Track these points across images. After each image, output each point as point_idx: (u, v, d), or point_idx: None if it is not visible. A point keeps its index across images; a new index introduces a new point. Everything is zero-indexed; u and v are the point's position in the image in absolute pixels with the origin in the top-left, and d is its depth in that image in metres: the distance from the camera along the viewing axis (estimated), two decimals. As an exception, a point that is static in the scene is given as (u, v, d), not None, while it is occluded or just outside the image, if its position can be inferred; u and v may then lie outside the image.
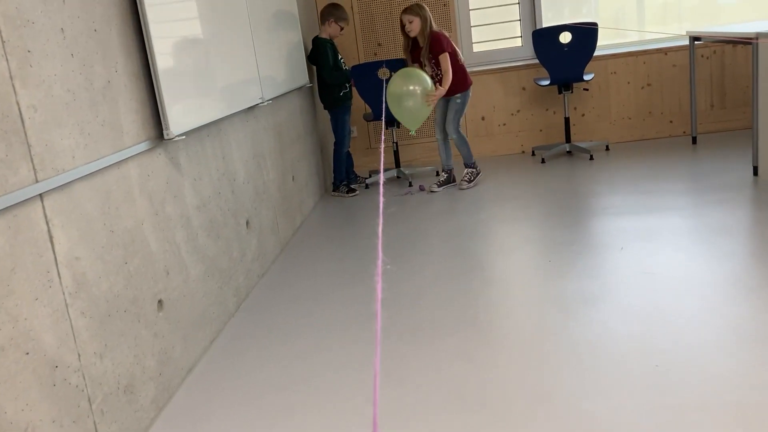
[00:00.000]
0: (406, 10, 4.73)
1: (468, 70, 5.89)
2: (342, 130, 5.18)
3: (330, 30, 5.08)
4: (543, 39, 5.28)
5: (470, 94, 4.91)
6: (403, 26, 4.75)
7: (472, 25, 6.13)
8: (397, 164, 5.54)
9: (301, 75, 4.82)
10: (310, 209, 4.86)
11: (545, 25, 6.04)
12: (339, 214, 4.79)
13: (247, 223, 3.45)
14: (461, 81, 4.81)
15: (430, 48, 4.68)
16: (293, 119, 4.63)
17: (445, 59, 4.66)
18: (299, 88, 4.82)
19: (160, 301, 2.43)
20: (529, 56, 6.12)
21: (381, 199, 2.83)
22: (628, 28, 6.24)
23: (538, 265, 3.32)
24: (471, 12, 6.10)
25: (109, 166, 2.18)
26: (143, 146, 2.41)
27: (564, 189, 4.66)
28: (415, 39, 4.82)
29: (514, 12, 6.14)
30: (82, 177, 2.01)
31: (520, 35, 6.17)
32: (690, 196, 4.10)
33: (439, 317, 2.87)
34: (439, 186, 5.00)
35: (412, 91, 4.49)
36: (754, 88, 4.17)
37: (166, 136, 2.52)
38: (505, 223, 4.14)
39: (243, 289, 3.29)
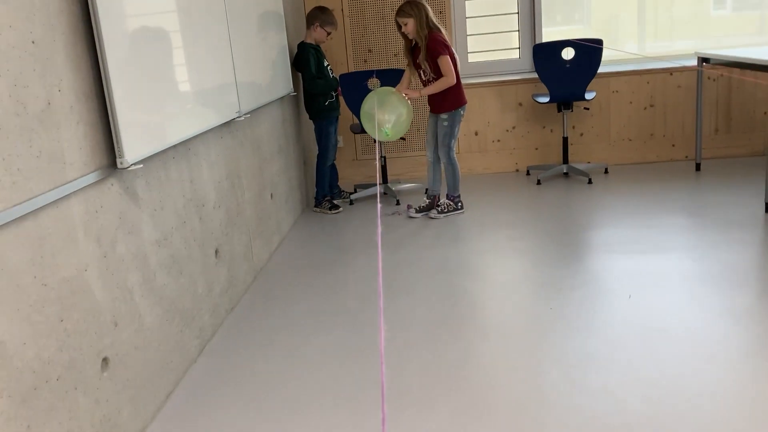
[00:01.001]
0: (398, 12, 4.32)
1: (463, 81, 5.58)
2: (326, 142, 4.84)
3: (315, 35, 4.73)
4: (544, 54, 4.97)
5: (462, 114, 4.46)
6: (399, 28, 4.37)
7: (468, 33, 5.81)
8: (384, 179, 5.21)
9: (284, 83, 4.47)
10: (289, 227, 4.51)
11: (544, 36, 5.74)
12: (320, 234, 4.45)
13: (216, 252, 3.10)
14: (453, 97, 4.39)
15: (426, 50, 4.27)
16: (275, 131, 4.28)
17: (445, 62, 4.24)
18: (282, 98, 4.46)
19: (105, 360, 2.08)
20: (526, 69, 5.82)
21: (379, 241, 2.49)
22: (632, 46, 5.95)
23: (537, 314, 3.00)
24: (467, 20, 5.78)
25: (45, 206, 1.82)
26: (91, 178, 2.05)
27: (562, 217, 4.35)
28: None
29: (513, 22, 5.83)
30: (5, 224, 1.66)
31: (518, 47, 5.86)
32: (698, 234, 3.80)
33: (427, 382, 2.54)
34: (418, 211, 4.62)
35: (386, 119, 4.08)
36: (771, 121, 3.89)
37: (119, 165, 2.17)
38: (499, 256, 3.82)
39: (208, 329, 2.94)
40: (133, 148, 2.21)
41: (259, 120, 3.92)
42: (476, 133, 5.65)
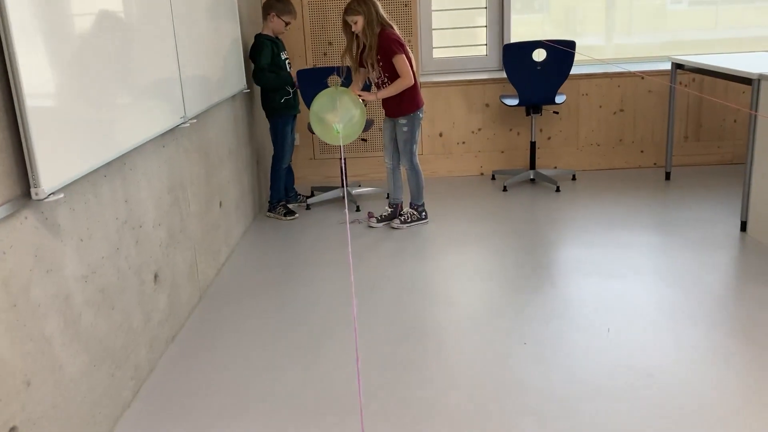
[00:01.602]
0: (346, 10, 3.93)
1: (427, 79, 5.31)
2: (282, 142, 4.50)
3: (273, 26, 4.37)
4: (514, 55, 4.72)
5: (421, 116, 4.15)
6: (346, 28, 3.99)
7: (433, 27, 5.52)
8: (343, 183, 4.90)
9: (237, 79, 4.11)
10: (239, 237, 4.18)
11: (513, 34, 5.50)
12: (273, 244, 4.13)
13: (155, 277, 2.76)
14: (410, 100, 4.06)
15: (379, 49, 3.93)
16: (225, 133, 3.92)
17: (401, 62, 3.92)
18: (234, 95, 4.11)
19: (12, 429, 1.75)
20: (493, 67, 5.57)
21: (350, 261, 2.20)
22: (591, 38, 5.75)
23: (510, 350, 2.76)
24: (433, 13, 5.49)
25: (-68, 256, 1.48)
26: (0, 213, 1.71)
27: (530, 231, 4.13)
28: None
29: (481, 17, 5.56)
30: None
31: (485, 43, 5.60)
32: (671, 255, 3.62)
33: None
34: (378, 221, 4.32)
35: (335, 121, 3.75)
36: (750, 138, 3.72)
37: (34, 197, 1.82)
38: (465, 278, 3.57)
39: (145, 366, 2.62)
40: (52, 173, 1.87)
41: (207, 122, 3.57)
42: (440, 134, 5.38)
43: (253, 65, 4.35)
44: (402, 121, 4.11)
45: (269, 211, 4.60)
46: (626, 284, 3.29)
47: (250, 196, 4.47)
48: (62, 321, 2.01)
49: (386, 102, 4.11)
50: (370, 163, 5.39)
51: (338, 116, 3.73)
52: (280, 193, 4.60)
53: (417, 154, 4.21)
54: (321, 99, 3.80)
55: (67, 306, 2.04)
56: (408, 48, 4.02)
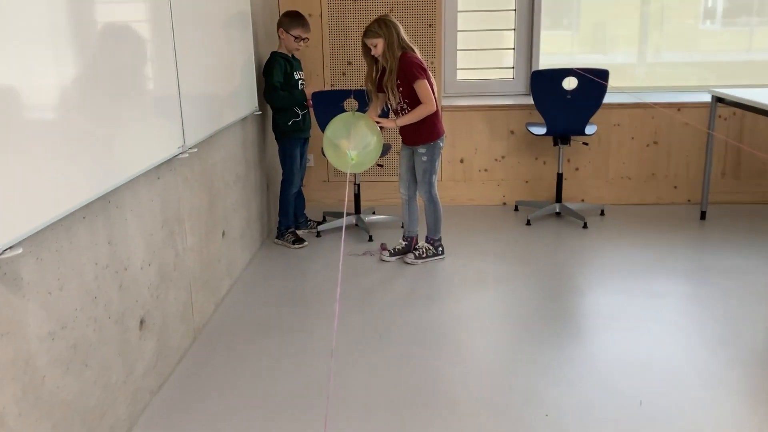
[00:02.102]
0: (366, 32, 3.68)
1: (450, 102, 5.05)
2: (290, 166, 4.26)
3: (285, 43, 4.15)
4: (543, 82, 4.44)
5: (441, 145, 3.88)
6: (366, 51, 3.75)
7: (458, 48, 5.26)
8: (357, 209, 4.64)
9: (248, 101, 3.88)
10: (244, 267, 3.93)
11: (543, 58, 5.22)
12: (278, 276, 3.88)
13: (142, 322, 2.52)
14: (430, 127, 3.79)
15: (399, 73, 3.68)
16: (232, 158, 3.69)
17: (423, 87, 3.66)
18: (245, 118, 3.87)
19: None
20: (520, 91, 5.30)
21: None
22: (619, 56, 5.46)
23: (530, 423, 2.47)
24: (459, 34, 5.23)
25: None
26: (-60, 273, 1.47)
27: (553, 272, 3.83)
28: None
29: (509, 39, 5.29)
30: None
31: (512, 66, 5.33)
32: (712, 313, 3.30)
33: None
34: (391, 255, 4.05)
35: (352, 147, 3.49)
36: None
37: (-13, 252, 1.58)
38: (480, 325, 3.28)
39: (123, 424, 2.37)
40: (6, 225, 1.63)
41: (212, 148, 3.34)
42: (462, 161, 5.11)
43: (264, 84, 4.13)
44: (421, 149, 3.85)
45: (277, 237, 4.36)
46: (659, 343, 2.99)
47: (257, 222, 4.23)
48: (20, 388, 1.77)
49: (405, 129, 3.85)
50: (385, 188, 5.13)
51: (352, 143, 3.48)
52: (290, 219, 4.35)
53: (436, 185, 3.94)
54: (335, 124, 3.55)
55: (27, 370, 1.80)
56: (430, 73, 3.77)
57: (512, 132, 5.05)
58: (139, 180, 2.48)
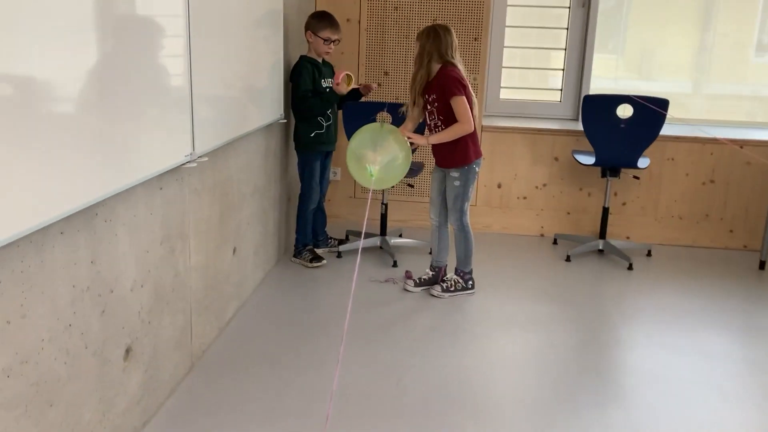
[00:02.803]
0: (418, 35, 3.49)
1: (490, 123, 4.71)
2: (309, 180, 3.94)
3: (314, 46, 3.82)
4: (595, 108, 4.07)
5: (477, 169, 3.54)
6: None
7: (504, 65, 4.92)
8: (383, 230, 4.31)
9: (274, 107, 3.58)
10: (255, 287, 3.62)
11: (593, 81, 4.85)
12: (293, 299, 3.57)
13: (127, 352, 2.22)
14: (465, 149, 3.45)
15: (436, 87, 3.39)
16: (252, 169, 3.39)
17: (461, 104, 3.34)
18: (270, 125, 3.58)
19: None
20: (567, 116, 4.94)
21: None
22: (665, 84, 5.06)
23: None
24: (505, 50, 4.89)
25: None
26: None
27: (594, 320, 3.45)
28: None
29: (557, 59, 4.94)
30: None
31: (560, 89, 4.97)
32: (777, 381, 2.91)
33: None
34: (417, 285, 3.70)
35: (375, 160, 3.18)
36: None
37: None
38: (510, 377, 2.92)
39: (94, 470, 2.06)
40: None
41: (229, 156, 3.04)
42: (499, 185, 4.76)
43: (292, 90, 3.83)
44: (454, 173, 3.51)
45: (294, 256, 4.04)
46: (715, 416, 2.60)
47: (274, 237, 3.92)
48: (-43, 438, 1.47)
49: (437, 149, 3.52)
50: (415, 209, 4.80)
51: (378, 157, 3.16)
52: (308, 237, 4.03)
53: (468, 212, 3.59)
54: (362, 135, 3.25)
55: (-31, 416, 1.50)
56: (471, 90, 3.44)
57: (556, 159, 4.68)
58: (137, 190, 2.18)
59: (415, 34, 3.52)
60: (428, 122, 3.51)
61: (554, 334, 3.28)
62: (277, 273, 3.89)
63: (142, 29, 2.09)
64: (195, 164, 2.47)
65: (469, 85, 3.43)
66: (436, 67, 3.39)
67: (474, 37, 4.56)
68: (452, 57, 3.40)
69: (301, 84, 3.74)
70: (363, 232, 3.04)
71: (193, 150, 2.47)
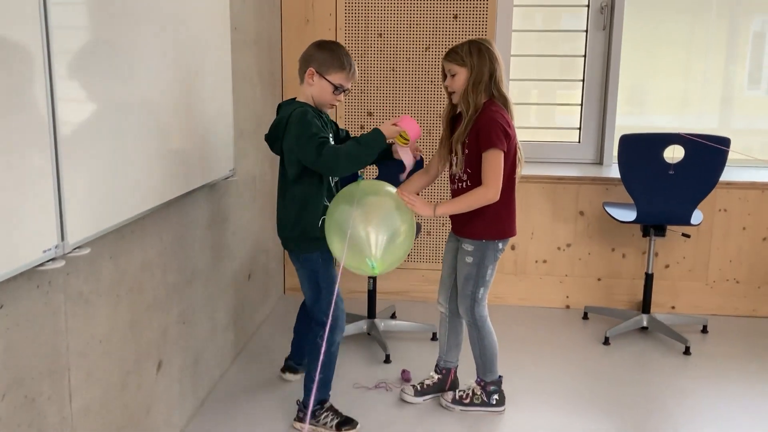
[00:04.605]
0: (449, 54, 2.48)
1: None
2: (329, 295, 2.46)
3: (313, 91, 2.41)
4: (637, 151, 3.21)
5: (501, 248, 2.57)
6: (444, 78, 2.53)
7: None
8: (371, 311, 3.38)
9: (219, 160, 2.68)
10: (195, 410, 2.67)
11: (619, 119, 4.00)
12: (247, 422, 2.61)
13: None
14: (491, 218, 2.51)
15: (473, 129, 2.43)
16: (187, 245, 2.47)
17: (494, 161, 2.40)
18: (213, 186, 2.68)
19: None
20: (587, 159, 4.07)
21: None
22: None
23: None
24: (511, 83, 4.05)
25: None
26: None
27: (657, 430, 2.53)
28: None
29: (575, 92, 4.10)
30: None
31: (578, 127, 4.11)
32: None
33: None
34: (418, 393, 2.74)
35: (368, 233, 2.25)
36: None
37: None
38: None
39: None
40: None
41: (144, 235, 2.12)
42: (513, 247, 3.86)
43: (292, 141, 2.33)
44: (467, 245, 2.58)
45: (301, 418, 2.56)
46: None
47: (227, 334, 2.98)
48: None
49: (462, 216, 2.58)
50: (411, 277, 3.89)
51: (372, 232, 2.25)
52: (328, 387, 2.57)
53: (485, 302, 2.66)
54: (340, 205, 2.33)
55: None
56: (517, 143, 2.51)
57: (581, 213, 3.80)
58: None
59: (445, 53, 2.51)
60: (451, 172, 2.59)
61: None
62: (232, 379, 2.93)
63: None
64: (62, 263, 1.54)
65: (515, 134, 2.50)
66: (482, 101, 2.46)
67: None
68: (504, 90, 2.49)
69: (313, 132, 2.27)
70: (329, 319, 2.12)
71: (62, 240, 1.55)
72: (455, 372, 2.80)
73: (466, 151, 2.47)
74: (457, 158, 2.51)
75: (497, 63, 2.44)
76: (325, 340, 2.41)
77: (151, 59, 2.01)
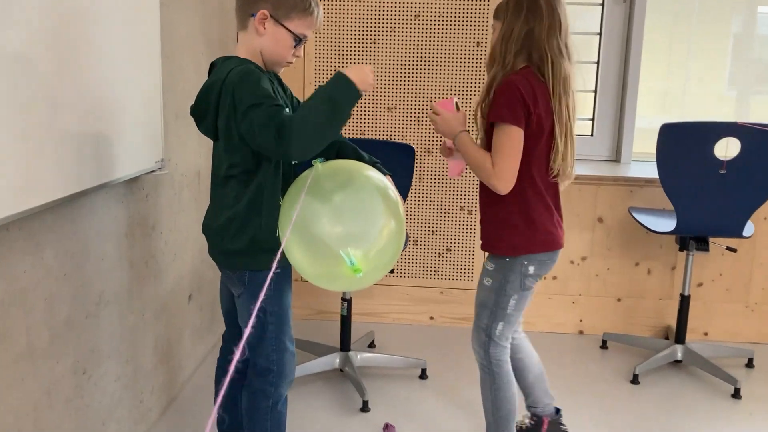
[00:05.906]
0: (496, 9, 1.90)
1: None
2: (284, 333, 1.76)
3: (264, 42, 1.67)
4: (681, 144, 2.56)
5: (531, 270, 1.90)
6: None
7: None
8: (344, 343, 2.70)
9: (142, 148, 1.97)
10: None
11: (640, 110, 3.38)
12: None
13: None
14: (520, 227, 1.87)
15: (488, 95, 1.86)
16: (91, 263, 1.77)
17: (503, 138, 1.79)
18: (131, 181, 1.97)
19: None
20: (603, 155, 3.45)
21: None
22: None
23: None
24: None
25: None
26: None
27: None
28: None
29: (588, 77, 3.47)
30: None
31: (591, 118, 3.48)
32: None
33: None
34: None
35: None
36: None
37: None
38: None
39: None
40: None
41: (11, 252, 1.42)
42: (555, 278, 3.19)
43: (234, 110, 1.58)
44: (489, 265, 1.93)
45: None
46: None
47: (151, 379, 2.28)
48: None
49: (484, 218, 1.96)
50: (394, 295, 3.22)
51: (345, 222, 1.56)
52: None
53: (506, 343, 1.99)
54: (293, 194, 1.62)
55: None
56: (556, 130, 1.85)
57: (600, 220, 3.16)
58: None
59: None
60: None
61: None
62: (160, 436, 2.23)
63: None
64: None
65: (554, 111, 1.83)
66: (508, 64, 1.84)
67: (476, 41, 3.07)
68: (552, 55, 1.82)
69: (265, 95, 1.55)
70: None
71: None
72: (549, 423, 2.13)
73: (487, 126, 1.87)
74: (476, 131, 1.90)
75: (542, 20, 1.80)
76: (264, 393, 1.73)
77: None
